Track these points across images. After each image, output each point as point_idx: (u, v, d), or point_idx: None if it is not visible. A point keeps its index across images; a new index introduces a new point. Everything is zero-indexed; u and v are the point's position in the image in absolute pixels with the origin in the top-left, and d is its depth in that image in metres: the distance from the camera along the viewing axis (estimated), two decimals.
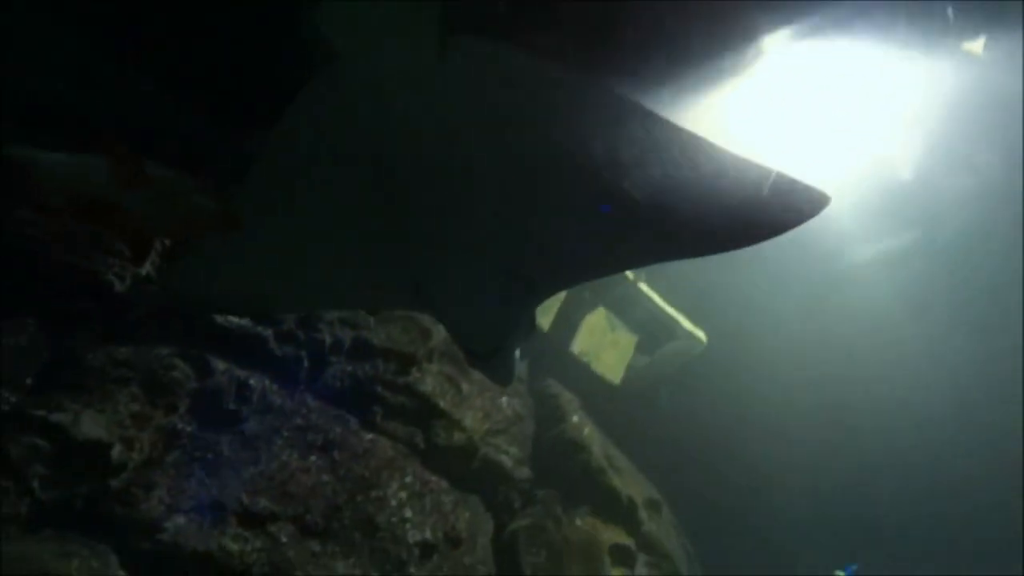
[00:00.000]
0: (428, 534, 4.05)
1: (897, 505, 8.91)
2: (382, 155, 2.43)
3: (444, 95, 2.37)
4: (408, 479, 4.17)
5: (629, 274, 6.87)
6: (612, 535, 5.15)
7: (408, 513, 4.01)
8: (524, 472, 4.95)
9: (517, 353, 2.89)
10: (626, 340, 7.03)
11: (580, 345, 6.76)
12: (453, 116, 2.37)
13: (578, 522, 4.97)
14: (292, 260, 2.59)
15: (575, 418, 5.42)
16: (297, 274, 2.66)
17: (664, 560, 5.80)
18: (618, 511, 5.41)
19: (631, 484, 5.86)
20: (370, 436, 4.14)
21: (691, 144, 2.34)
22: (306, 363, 3.95)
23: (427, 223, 2.58)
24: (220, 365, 3.49)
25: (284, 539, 3.36)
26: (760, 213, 2.30)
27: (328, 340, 4.10)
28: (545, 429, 5.35)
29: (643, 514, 5.70)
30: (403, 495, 4.05)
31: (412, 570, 3.85)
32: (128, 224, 2.13)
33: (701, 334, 7.22)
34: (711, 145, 2.35)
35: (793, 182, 2.25)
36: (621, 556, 5.13)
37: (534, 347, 6.05)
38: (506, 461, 4.86)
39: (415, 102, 2.36)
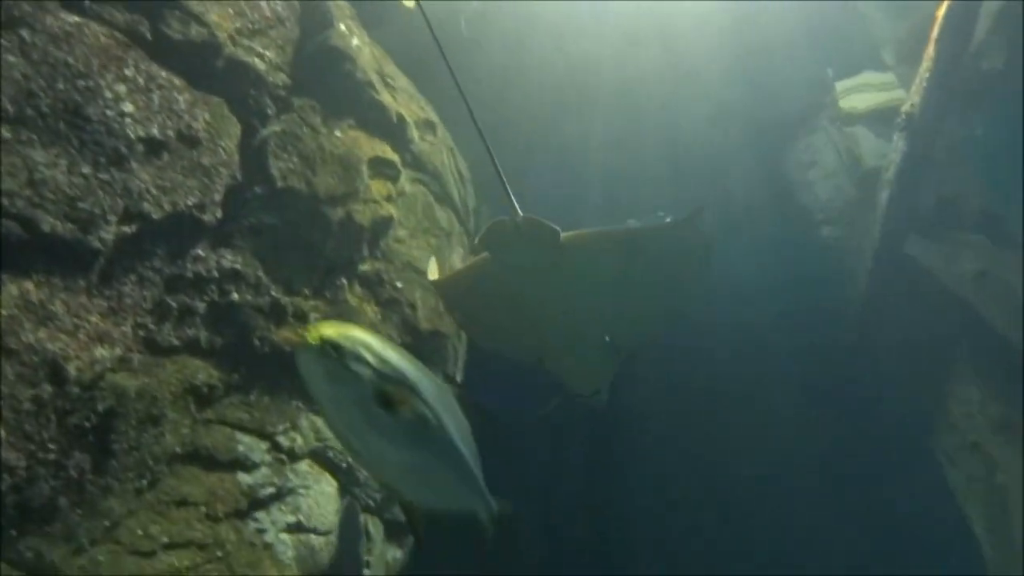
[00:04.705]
0: (155, 131, 3.85)
1: None
2: (525, 299, 5.08)
3: (556, 263, 4.81)
4: (129, 72, 3.81)
5: None
6: (375, 149, 5.21)
7: (128, 107, 3.74)
8: (280, 78, 4.68)
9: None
10: None
11: None
12: (559, 275, 4.88)
13: (338, 133, 4.93)
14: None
15: (342, 26, 5.05)
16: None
17: (433, 179, 6.06)
18: (385, 128, 5.40)
19: (405, 104, 5.81)
20: (75, 19, 3.63)
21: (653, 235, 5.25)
22: None
23: (554, 326, 5.21)
24: None
25: None
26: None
27: None
28: (309, 36, 4.98)
29: (414, 133, 5.76)
30: (121, 88, 3.74)
31: (134, 165, 3.73)
32: None
33: None
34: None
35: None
36: (382, 169, 5.26)
37: None
38: (259, 64, 4.54)
39: (541, 273, 4.88)
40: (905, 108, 6.19)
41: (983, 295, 6.92)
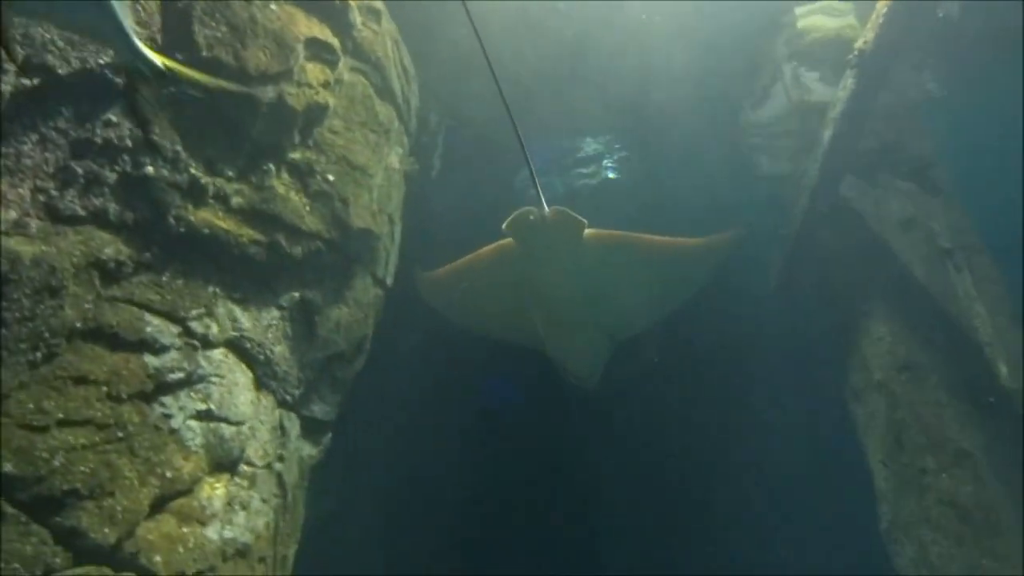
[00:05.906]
0: None
1: None
2: (537, 287, 5.79)
3: (576, 256, 5.53)
4: None
5: None
6: (313, 29, 4.86)
7: None
8: None
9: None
10: None
11: None
12: (578, 267, 5.61)
13: (272, 7, 4.57)
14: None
15: None
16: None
17: (375, 71, 5.74)
18: (326, 8, 5.04)
19: None
20: None
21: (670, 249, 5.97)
22: None
23: (559, 314, 5.88)
24: None
25: None
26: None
27: None
28: None
29: (357, 17, 5.41)
30: None
31: None
32: None
33: None
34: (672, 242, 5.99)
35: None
36: (319, 52, 4.92)
37: None
38: None
39: (558, 263, 5.63)
40: (858, 44, 6.13)
41: (906, 241, 7.12)
